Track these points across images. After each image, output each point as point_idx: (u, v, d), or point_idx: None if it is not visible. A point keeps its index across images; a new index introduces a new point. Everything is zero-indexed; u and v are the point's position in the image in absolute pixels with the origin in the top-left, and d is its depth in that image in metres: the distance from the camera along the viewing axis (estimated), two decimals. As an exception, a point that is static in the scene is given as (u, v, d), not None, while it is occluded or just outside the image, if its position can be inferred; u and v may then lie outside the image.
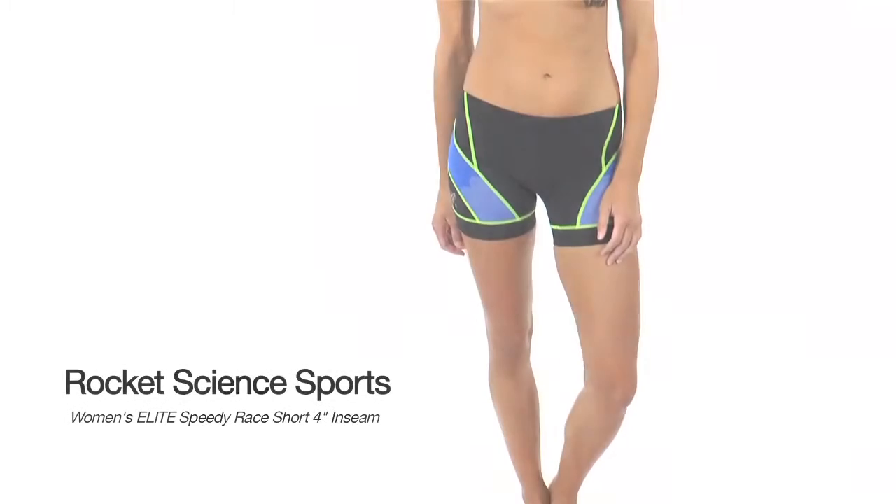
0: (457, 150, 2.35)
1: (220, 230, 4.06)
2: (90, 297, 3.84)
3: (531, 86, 2.21)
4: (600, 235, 2.29)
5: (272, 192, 4.13)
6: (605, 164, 2.30)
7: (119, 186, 4.13)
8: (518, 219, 2.36)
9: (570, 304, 2.40)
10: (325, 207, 4.10)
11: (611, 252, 2.30)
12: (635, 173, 2.30)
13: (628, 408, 2.44)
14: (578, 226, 2.31)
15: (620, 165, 2.29)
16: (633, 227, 2.29)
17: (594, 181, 2.29)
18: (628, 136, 2.30)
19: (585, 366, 2.43)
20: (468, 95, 2.30)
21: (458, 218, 2.41)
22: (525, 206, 2.36)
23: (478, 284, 2.48)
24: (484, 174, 2.32)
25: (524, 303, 2.50)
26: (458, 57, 2.35)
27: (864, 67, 4.15)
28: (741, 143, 4.12)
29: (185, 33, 4.16)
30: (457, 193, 2.37)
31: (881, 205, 4.08)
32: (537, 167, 2.29)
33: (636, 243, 2.31)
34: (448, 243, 2.53)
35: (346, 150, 4.15)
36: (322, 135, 4.16)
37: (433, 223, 2.52)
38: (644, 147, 2.30)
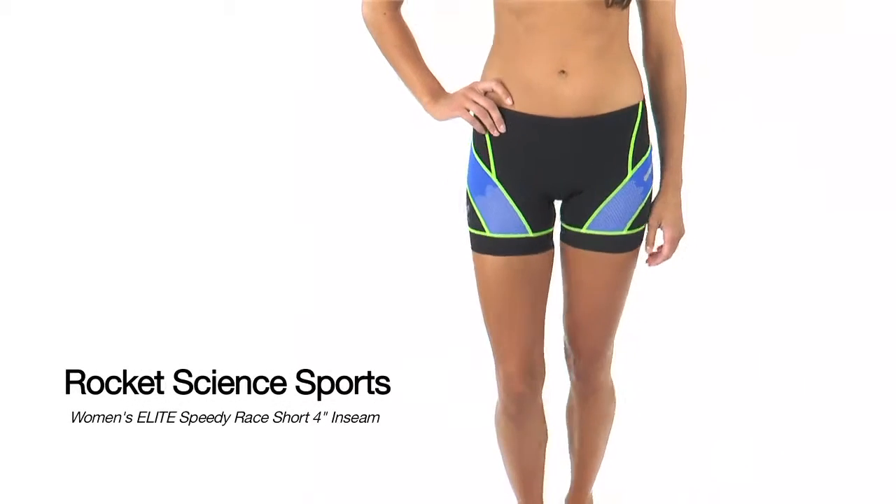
0: (475, 159, 2.24)
1: (220, 230, 4.06)
2: (90, 297, 3.84)
3: (547, 83, 2.12)
4: (650, 250, 2.30)
5: (272, 192, 4.12)
6: (632, 168, 2.22)
7: (119, 187, 4.12)
8: (531, 234, 2.24)
9: (563, 277, 2.38)
10: (325, 208, 4.10)
11: (652, 256, 2.32)
12: (679, 183, 2.29)
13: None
14: (584, 230, 2.26)
15: (667, 177, 2.27)
16: (680, 238, 2.31)
17: (617, 186, 2.22)
18: (670, 147, 2.28)
19: (565, 345, 2.46)
20: None
21: (469, 232, 2.29)
22: (541, 223, 2.25)
23: (483, 311, 2.34)
24: (502, 183, 2.21)
25: (530, 340, 2.34)
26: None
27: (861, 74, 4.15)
28: (739, 142, 4.12)
29: (183, 32, 4.15)
30: (471, 206, 2.27)
31: (880, 206, 4.08)
32: (560, 174, 2.20)
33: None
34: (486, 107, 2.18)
35: (346, 151, 4.14)
36: (321, 135, 4.15)
37: (460, 95, 2.20)
38: (682, 154, 2.30)
